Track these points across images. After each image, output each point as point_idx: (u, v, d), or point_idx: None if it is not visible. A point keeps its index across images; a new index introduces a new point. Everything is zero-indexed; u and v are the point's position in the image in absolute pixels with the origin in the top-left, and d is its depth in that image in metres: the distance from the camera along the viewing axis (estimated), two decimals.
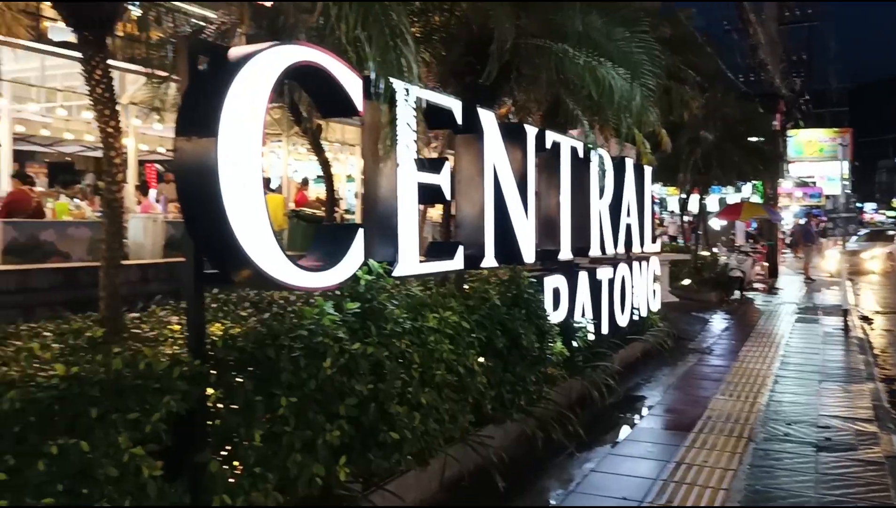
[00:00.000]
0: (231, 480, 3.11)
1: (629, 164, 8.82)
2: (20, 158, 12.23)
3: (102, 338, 3.32)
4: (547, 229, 6.81)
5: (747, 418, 6.04)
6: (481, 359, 4.93)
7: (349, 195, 15.61)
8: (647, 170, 9.64)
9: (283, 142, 13.22)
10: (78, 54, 3.55)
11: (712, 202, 24.43)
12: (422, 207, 5.85)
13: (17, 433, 2.59)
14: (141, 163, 13.84)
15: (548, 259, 6.88)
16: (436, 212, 10.20)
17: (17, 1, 5.47)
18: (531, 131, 6.35)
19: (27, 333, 3.51)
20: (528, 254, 6.20)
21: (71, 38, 9.53)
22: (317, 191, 14.96)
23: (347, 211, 13.97)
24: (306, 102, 5.67)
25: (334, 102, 4.06)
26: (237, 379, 3.28)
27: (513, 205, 5.95)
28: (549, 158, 6.77)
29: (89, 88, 3.45)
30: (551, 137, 6.76)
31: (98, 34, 3.40)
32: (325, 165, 6.45)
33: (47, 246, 7.90)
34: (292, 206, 12.54)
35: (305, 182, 14.60)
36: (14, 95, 10.56)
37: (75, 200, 10.72)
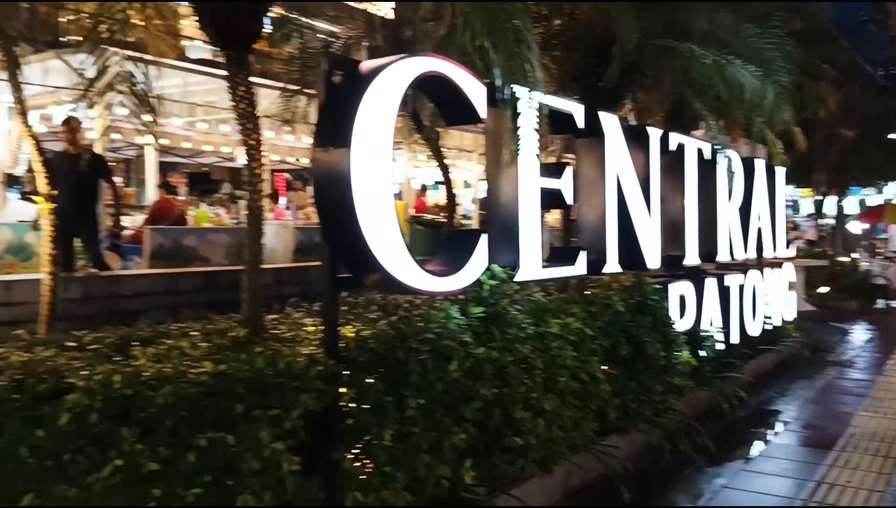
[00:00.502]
0: (363, 478, 3.22)
1: (760, 165, 8.39)
2: (163, 169, 13.20)
3: (245, 338, 3.52)
4: (672, 233, 6.59)
5: (895, 437, 5.59)
6: (605, 367, 4.84)
7: (466, 201, 15.78)
8: (780, 171, 9.13)
9: (404, 149, 13.56)
10: (219, 72, 3.79)
11: (851, 204, 22.83)
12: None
13: (170, 426, 2.79)
14: (272, 172, 14.58)
15: (673, 265, 6.66)
16: (551, 216, 10.13)
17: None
18: (654, 133, 6.18)
19: (176, 332, 3.78)
20: (653, 259, 6.03)
21: (208, 55, 10.23)
22: (434, 197, 15.25)
23: (465, 216, 14.13)
24: (427, 110, 5.81)
25: (458, 110, 4.14)
26: (368, 380, 3.39)
27: (636, 209, 5.80)
28: (673, 161, 6.56)
29: (233, 103, 3.68)
30: (675, 138, 6.55)
31: (241, 53, 3.62)
32: (445, 171, 6.56)
33: (190, 251, 8.49)
34: (412, 212, 12.84)
35: (424, 189, 14.91)
36: (159, 110, 11.41)
37: (214, 208, 11.46)
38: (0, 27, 3.79)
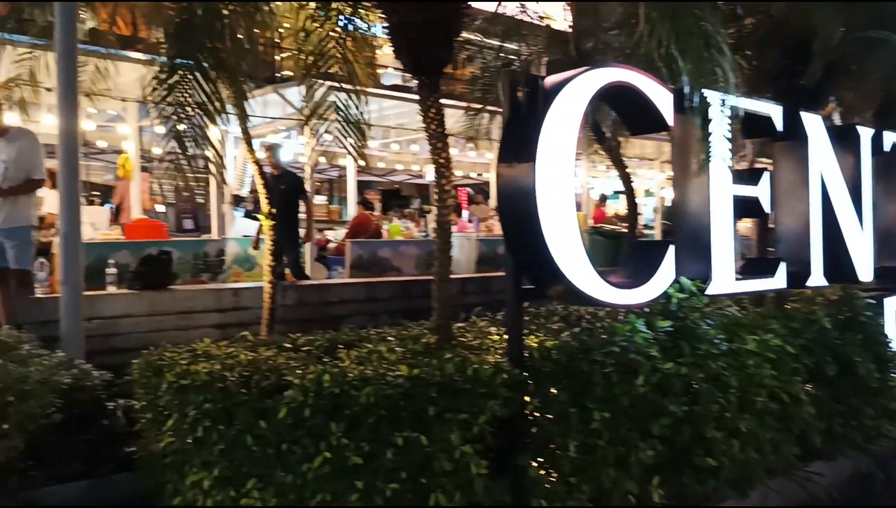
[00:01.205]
0: (548, 486, 3.29)
1: None
2: (361, 187, 14.19)
3: (435, 344, 3.74)
4: (887, 242, 5.96)
5: None
6: (808, 387, 4.50)
7: (647, 210, 15.30)
8: None
9: (582, 160, 13.46)
10: (411, 96, 4.06)
11: None
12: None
13: (372, 424, 3.04)
14: (454, 187, 15.10)
15: (889, 277, 6.02)
16: (742, 225, 9.50)
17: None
18: (865, 133, 5.64)
19: (375, 337, 4.09)
20: (864, 271, 5.49)
21: (399, 80, 10.79)
22: (613, 207, 14.96)
23: (646, 226, 13.72)
24: (608, 119, 5.77)
25: (643, 119, 4.10)
26: (552, 390, 3.46)
27: (844, 216, 5.33)
28: (887, 162, 5.95)
29: (424, 124, 3.94)
30: (890, 138, 5.93)
31: (432, 78, 3.87)
32: (626, 180, 6.45)
33: (384, 262, 9.10)
34: (590, 222, 12.68)
35: (603, 199, 14.67)
36: (365, 134, 12.35)
37: (405, 222, 12.13)
38: (231, 67, 4.35)
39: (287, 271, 7.41)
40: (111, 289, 5.23)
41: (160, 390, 3.32)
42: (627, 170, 6.50)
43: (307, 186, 9.08)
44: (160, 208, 11.68)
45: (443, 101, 3.95)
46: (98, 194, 13.47)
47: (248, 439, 3.06)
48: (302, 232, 8.11)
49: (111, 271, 5.27)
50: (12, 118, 5.50)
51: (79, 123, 4.30)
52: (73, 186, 4.20)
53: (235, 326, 5.15)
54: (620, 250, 8.85)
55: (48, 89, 5.04)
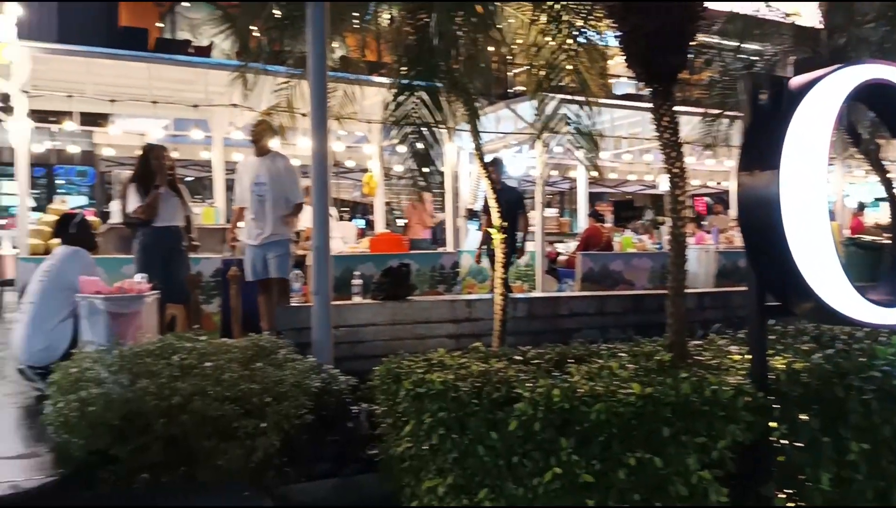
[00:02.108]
0: None
1: None
2: (592, 199, 14.03)
3: (670, 362, 3.54)
4: None
5: None
6: None
7: None
8: None
9: (836, 165, 12.14)
10: (644, 105, 3.91)
11: None
12: None
13: (603, 441, 2.94)
14: (692, 197, 14.37)
15: None
16: None
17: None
18: None
19: (606, 352, 3.97)
20: None
21: (631, 89, 10.50)
22: (873, 216, 13.24)
23: None
24: (866, 120, 5.13)
25: None
26: (801, 416, 3.11)
27: None
28: None
29: (657, 133, 3.77)
30: None
31: (666, 85, 3.70)
32: (888, 186, 5.67)
33: (616, 275, 8.88)
34: (847, 233, 11.36)
35: (861, 207, 13.06)
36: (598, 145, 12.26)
37: (637, 234, 11.76)
38: (464, 86, 4.52)
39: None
40: (356, 299, 5.68)
41: (398, 396, 3.49)
42: (889, 175, 5.70)
43: (539, 199, 9.20)
44: (400, 222, 12.51)
45: (677, 108, 3.76)
46: (346, 209, 14.81)
47: (479, 449, 3.10)
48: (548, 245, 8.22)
49: (357, 282, 5.73)
50: (273, 143, 6.23)
51: (329, 145, 4.72)
52: (323, 203, 4.61)
53: (468, 336, 5.29)
54: (882, 263, 7.76)
55: (303, 115, 5.61)
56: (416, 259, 7.66)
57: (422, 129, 4.25)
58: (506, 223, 4.97)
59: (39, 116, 8.55)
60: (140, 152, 6.15)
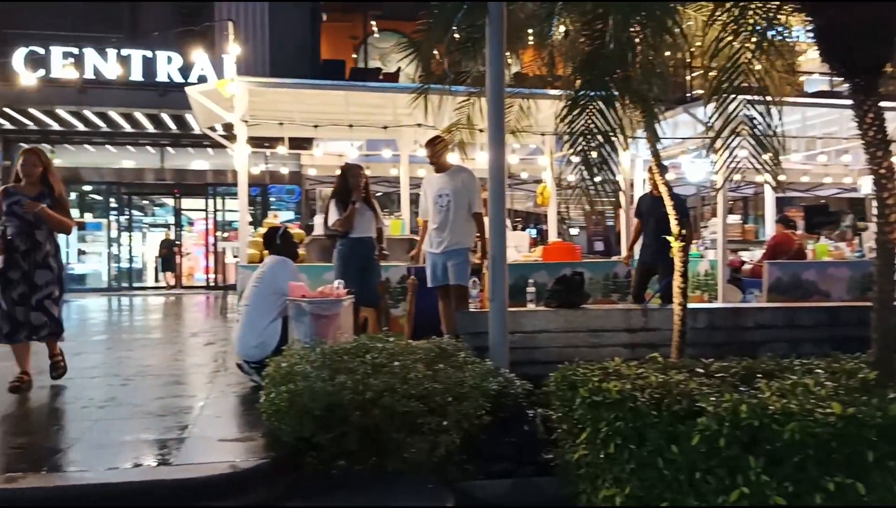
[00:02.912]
0: None
1: None
2: (780, 204, 13.11)
3: (875, 381, 3.27)
4: None
5: None
6: None
7: None
8: None
9: None
10: (842, 102, 3.65)
11: None
12: None
13: (797, 463, 2.78)
14: None
15: None
16: None
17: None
18: None
19: (800, 368, 3.73)
20: None
21: (825, 86, 9.73)
22: None
23: None
24: None
25: None
26: None
27: None
28: None
29: (860, 131, 3.51)
30: None
31: (869, 79, 3.44)
32: None
33: (808, 285, 8.24)
34: None
35: None
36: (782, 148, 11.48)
37: (834, 241, 10.82)
38: (641, 93, 4.46)
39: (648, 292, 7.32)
40: (531, 306, 5.77)
41: (574, 403, 3.52)
42: None
43: (721, 205, 8.77)
44: (573, 232, 12.45)
45: (883, 103, 3.48)
46: (519, 219, 14.99)
47: (659, 461, 3.05)
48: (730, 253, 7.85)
49: (531, 289, 5.81)
50: (454, 158, 6.51)
51: (506, 158, 4.86)
52: (500, 213, 4.75)
53: (643, 346, 5.19)
54: None
55: (480, 130, 5.80)
56: (589, 268, 7.62)
57: (598, 137, 4.23)
58: (683, 231, 4.82)
59: (255, 142, 9.54)
60: (339, 172, 6.67)
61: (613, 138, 4.13)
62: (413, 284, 6.58)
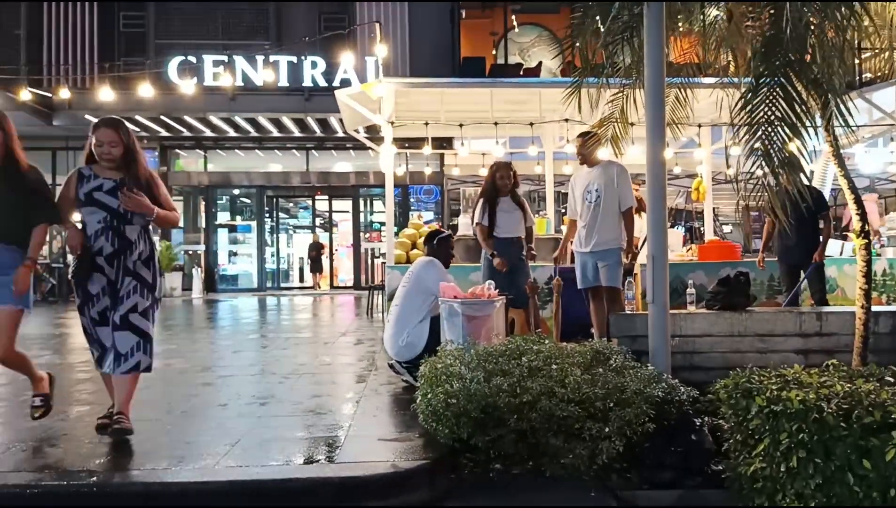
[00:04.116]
0: None
1: None
2: None
3: None
4: None
5: None
6: None
7: None
8: None
9: None
10: None
11: None
12: None
13: None
14: None
15: None
16: None
17: None
18: None
19: None
20: None
21: None
22: None
23: None
24: None
25: None
26: None
27: None
28: None
29: None
30: None
31: None
32: None
33: None
34: None
35: None
36: None
37: None
38: (817, 78, 4.10)
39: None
40: (690, 308, 5.47)
41: (749, 413, 3.31)
42: None
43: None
44: (726, 229, 11.79)
45: None
46: (669, 217, 14.32)
47: (848, 477, 2.84)
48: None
49: (691, 291, 5.51)
50: (605, 152, 6.30)
51: (665, 152, 4.61)
52: (660, 210, 4.52)
53: (818, 352, 4.81)
54: None
55: (631, 124, 5.58)
56: (752, 267, 7.14)
57: (768, 127, 3.96)
58: (865, 227, 4.39)
59: (398, 142, 9.78)
60: (488, 171, 6.64)
61: (789, 127, 3.83)
62: (559, 285, 6.46)
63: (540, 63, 16.21)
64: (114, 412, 4.06)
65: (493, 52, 19.28)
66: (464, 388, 3.72)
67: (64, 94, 13.86)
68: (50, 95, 15.42)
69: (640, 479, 3.67)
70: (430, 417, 3.84)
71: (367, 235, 19.85)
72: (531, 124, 9.18)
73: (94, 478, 3.37)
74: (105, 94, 12.56)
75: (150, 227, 4.26)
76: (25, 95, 13.66)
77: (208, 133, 17.98)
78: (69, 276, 4.15)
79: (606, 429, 3.61)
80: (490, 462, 3.70)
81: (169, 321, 11.81)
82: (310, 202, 21.64)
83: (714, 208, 9.77)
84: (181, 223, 19.35)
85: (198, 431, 4.34)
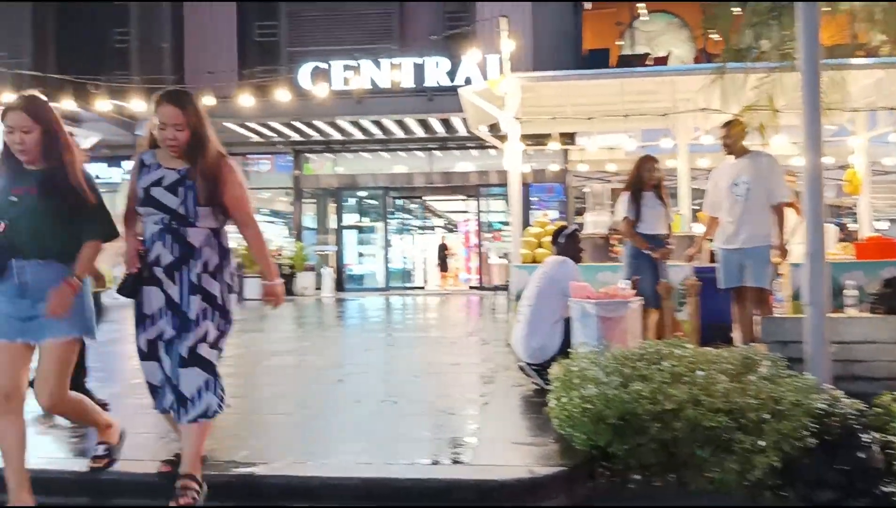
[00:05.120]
0: None
1: None
2: None
3: None
4: None
5: None
6: None
7: None
8: None
9: None
10: None
11: None
12: None
13: None
14: None
15: None
16: None
17: None
18: None
19: None
20: None
21: None
22: None
23: None
24: None
25: None
26: None
27: None
28: None
29: None
30: None
31: None
32: None
33: None
34: None
35: None
36: None
37: None
38: None
39: None
40: (850, 312, 4.98)
41: None
42: None
43: None
44: (882, 226, 10.77)
45: None
46: None
47: None
48: None
49: (851, 292, 5.02)
50: (751, 141, 5.86)
51: (822, 140, 4.19)
52: (817, 205, 4.11)
53: None
54: None
55: (776, 111, 5.16)
56: None
57: None
58: None
59: (521, 140, 9.58)
60: (634, 165, 6.37)
61: None
62: (694, 285, 6.10)
63: (669, 53, 15.53)
64: (180, 470, 3.16)
65: (619, 42, 18.68)
66: (601, 393, 3.54)
67: (208, 101, 14.72)
68: None
69: (797, 498, 3.36)
70: (565, 422, 3.69)
71: (490, 234, 19.82)
72: (664, 115, 8.74)
73: (239, 469, 3.49)
74: (244, 100, 13.23)
75: (223, 229, 3.34)
76: None
77: (337, 136, 18.55)
78: (115, 291, 3.31)
79: (760, 442, 3.32)
80: (629, 472, 3.50)
81: (302, 319, 12.29)
82: (432, 202, 21.88)
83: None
84: (313, 224, 20.19)
85: (331, 427, 4.42)
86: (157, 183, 3.21)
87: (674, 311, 6.26)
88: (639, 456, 3.49)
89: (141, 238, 3.28)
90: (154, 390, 3.30)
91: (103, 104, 14.20)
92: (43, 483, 3.28)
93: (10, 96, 11.94)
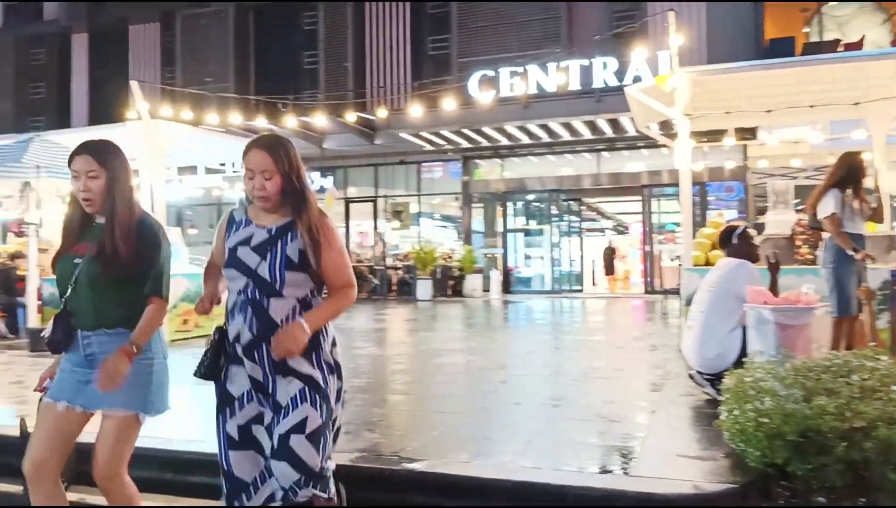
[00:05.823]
0: None
1: None
2: None
3: None
4: None
5: None
6: None
7: None
8: None
9: None
10: None
11: None
12: None
13: None
14: None
15: None
16: None
17: None
18: None
19: None
20: None
21: None
22: None
23: None
24: None
25: None
26: None
27: None
28: None
29: None
30: None
31: None
32: None
33: None
34: None
35: None
36: None
37: None
38: None
39: None
40: None
41: None
42: None
43: None
44: None
45: None
46: None
47: None
48: None
49: None
50: None
51: None
52: None
53: None
54: None
55: None
56: None
57: None
58: None
59: (694, 136, 9.13)
60: (836, 160, 5.95)
61: None
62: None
63: (863, 37, 14.03)
64: None
65: (806, 29, 17.20)
66: (778, 406, 3.29)
67: (381, 113, 15.60)
68: (372, 117, 17.49)
69: None
70: (737, 436, 3.46)
71: (661, 236, 19.07)
72: (856, 104, 7.91)
73: (404, 465, 3.64)
74: (415, 110, 13.87)
75: (314, 303, 2.70)
76: (351, 117, 15.68)
77: (504, 141, 18.80)
78: (193, 373, 2.71)
79: None
80: (810, 494, 3.23)
81: (470, 320, 12.58)
82: (601, 204, 21.46)
83: None
84: (481, 228, 20.60)
85: (494, 427, 4.47)
86: (245, 242, 2.68)
87: (874, 318, 5.66)
88: (822, 477, 3.20)
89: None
90: (232, 489, 2.64)
91: (291, 121, 15.49)
92: None
93: (214, 117, 13.49)
